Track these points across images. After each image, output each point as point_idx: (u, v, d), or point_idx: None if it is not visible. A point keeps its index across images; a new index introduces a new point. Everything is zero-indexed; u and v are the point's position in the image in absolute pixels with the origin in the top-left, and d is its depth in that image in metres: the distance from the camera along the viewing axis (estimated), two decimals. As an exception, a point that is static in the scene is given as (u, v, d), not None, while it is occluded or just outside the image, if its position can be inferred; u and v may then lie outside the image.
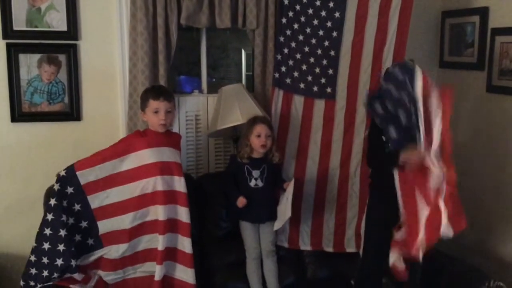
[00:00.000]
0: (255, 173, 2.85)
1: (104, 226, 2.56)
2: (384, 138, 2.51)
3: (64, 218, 2.47)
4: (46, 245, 2.45)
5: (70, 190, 2.51)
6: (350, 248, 3.06)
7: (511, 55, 2.94)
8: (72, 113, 3.02)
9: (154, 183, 2.57)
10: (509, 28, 2.95)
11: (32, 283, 2.46)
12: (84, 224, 2.55)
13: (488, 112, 3.13)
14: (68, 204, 2.51)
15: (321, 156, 3.07)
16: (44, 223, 2.47)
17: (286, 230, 3.03)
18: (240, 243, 2.89)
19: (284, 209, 2.77)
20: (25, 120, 2.96)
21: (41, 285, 2.46)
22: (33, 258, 2.47)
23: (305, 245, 3.08)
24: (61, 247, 2.44)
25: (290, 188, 2.80)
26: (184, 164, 3.03)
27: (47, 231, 2.45)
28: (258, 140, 2.80)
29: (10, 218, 3.01)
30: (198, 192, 2.92)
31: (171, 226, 2.60)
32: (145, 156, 2.58)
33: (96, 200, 2.54)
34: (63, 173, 2.52)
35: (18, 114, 2.94)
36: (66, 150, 3.03)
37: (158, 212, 2.57)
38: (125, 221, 2.56)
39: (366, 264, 2.75)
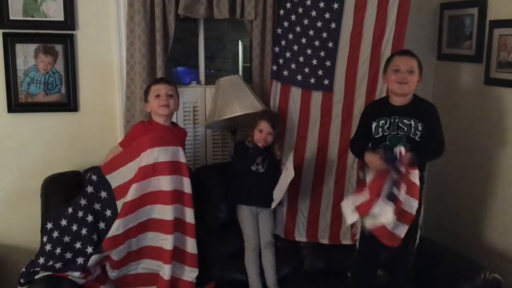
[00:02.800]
0: (258, 158, 2.89)
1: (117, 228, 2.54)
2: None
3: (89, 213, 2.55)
4: (74, 226, 2.52)
5: (103, 194, 2.55)
6: (346, 241, 3.07)
7: (509, 47, 2.94)
8: (69, 103, 3.00)
9: (163, 182, 2.56)
10: (508, 20, 2.95)
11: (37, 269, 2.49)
12: (102, 225, 2.56)
13: (486, 104, 3.13)
14: (102, 209, 2.56)
15: (319, 148, 3.07)
16: (77, 207, 2.54)
17: (283, 220, 3.04)
18: (238, 234, 2.91)
19: (283, 185, 2.81)
20: (22, 110, 2.94)
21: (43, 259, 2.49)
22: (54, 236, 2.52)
23: (301, 236, 3.08)
24: (84, 231, 2.51)
25: (289, 159, 2.83)
26: (181, 155, 3.03)
27: (80, 213, 2.52)
28: (259, 135, 2.86)
29: (6, 209, 3.00)
30: (196, 184, 2.91)
31: (177, 226, 2.61)
32: (152, 156, 2.56)
33: (120, 204, 2.55)
34: (94, 177, 2.55)
35: (15, 105, 2.92)
36: (63, 141, 3.02)
37: (165, 212, 2.57)
38: (134, 219, 2.55)
39: (361, 256, 2.77)
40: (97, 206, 2.56)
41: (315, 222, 3.09)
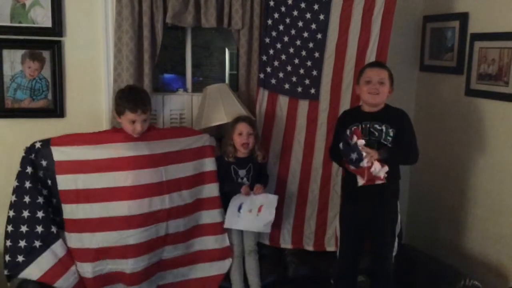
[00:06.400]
0: (241, 172, 2.89)
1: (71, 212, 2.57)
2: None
3: (40, 186, 2.55)
4: (25, 213, 2.51)
5: (44, 163, 2.57)
6: (330, 247, 3.10)
7: (489, 59, 3.01)
8: (56, 109, 3.00)
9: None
10: (488, 33, 3.02)
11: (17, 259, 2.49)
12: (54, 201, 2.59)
13: (466, 114, 3.20)
14: (44, 176, 2.57)
15: (305, 155, 3.11)
16: (23, 191, 2.52)
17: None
18: (223, 241, 2.92)
19: (249, 225, 2.84)
20: (8, 116, 2.93)
21: (21, 256, 2.49)
22: (10, 239, 2.51)
23: (286, 243, 3.11)
24: (40, 214, 2.52)
25: (272, 201, 2.85)
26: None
27: (26, 199, 2.51)
28: (240, 138, 2.83)
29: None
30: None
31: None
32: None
33: (66, 182, 2.56)
34: (38, 145, 2.57)
35: (1, 110, 2.91)
36: (49, 147, 3.00)
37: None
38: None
39: (341, 264, 2.81)
40: (40, 174, 2.56)
41: (300, 229, 3.12)
